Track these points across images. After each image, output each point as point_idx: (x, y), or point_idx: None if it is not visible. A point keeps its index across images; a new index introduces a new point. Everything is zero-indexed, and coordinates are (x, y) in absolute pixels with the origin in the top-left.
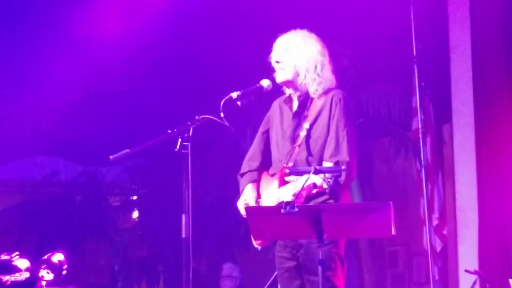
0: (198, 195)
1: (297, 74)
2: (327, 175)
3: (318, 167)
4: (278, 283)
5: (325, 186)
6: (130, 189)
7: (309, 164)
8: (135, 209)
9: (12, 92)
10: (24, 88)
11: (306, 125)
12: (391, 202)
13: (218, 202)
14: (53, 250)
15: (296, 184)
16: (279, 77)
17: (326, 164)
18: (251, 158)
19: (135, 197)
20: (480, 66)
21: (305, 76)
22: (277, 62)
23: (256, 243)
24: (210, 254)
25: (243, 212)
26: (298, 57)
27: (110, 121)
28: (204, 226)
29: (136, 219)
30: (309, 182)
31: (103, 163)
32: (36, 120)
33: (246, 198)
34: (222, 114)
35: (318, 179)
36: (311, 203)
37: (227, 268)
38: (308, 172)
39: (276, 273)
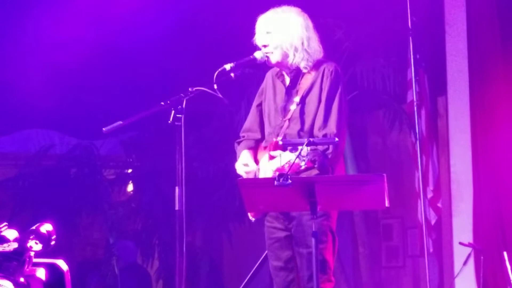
0: (193, 167)
1: (285, 55)
2: (304, 151)
3: (311, 139)
4: (268, 254)
5: (302, 164)
6: (124, 162)
7: (300, 138)
8: (130, 182)
9: (5, 64)
10: (18, 60)
11: (296, 99)
12: (384, 174)
13: (213, 175)
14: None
15: (280, 160)
16: (269, 61)
17: (305, 149)
18: (248, 129)
19: (129, 170)
20: (475, 38)
21: (294, 55)
22: (264, 46)
23: (250, 215)
24: (205, 227)
25: (242, 173)
26: (283, 38)
27: (104, 94)
28: (199, 199)
29: (131, 192)
30: (288, 160)
31: (98, 136)
32: (30, 93)
33: (244, 160)
34: (215, 86)
35: (297, 159)
36: (304, 175)
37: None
38: (302, 144)
39: None
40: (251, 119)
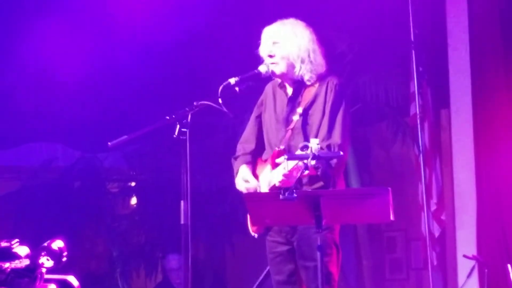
0: (196, 181)
1: (291, 66)
2: (314, 146)
3: (316, 153)
4: (269, 268)
5: (312, 162)
6: (128, 175)
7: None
8: (134, 195)
9: (8, 77)
10: (21, 74)
11: (299, 110)
12: (389, 188)
13: (216, 188)
14: (52, 237)
15: (286, 165)
16: (273, 72)
17: (314, 141)
18: (245, 141)
19: (133, 183)
20: (477, 50)
21: (301, 68)
22: (270, 56)
23: (252, 230)
24: (208, 241)
25: (242, 188)
26: (290, 49)
27: (108, 107)
28: (202, 212)
29: (135, 205)
30: (296, 163)
31: (101, 149)
32: (34, 106)
33: (245, 176)
34: (220, 100)
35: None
36: (307, 187)
37: (174, 260)
38: (307, 158)
39: None
40: (249, 130)
